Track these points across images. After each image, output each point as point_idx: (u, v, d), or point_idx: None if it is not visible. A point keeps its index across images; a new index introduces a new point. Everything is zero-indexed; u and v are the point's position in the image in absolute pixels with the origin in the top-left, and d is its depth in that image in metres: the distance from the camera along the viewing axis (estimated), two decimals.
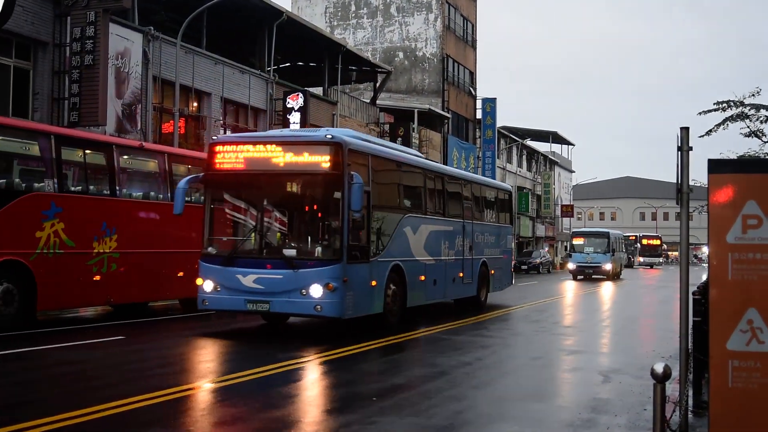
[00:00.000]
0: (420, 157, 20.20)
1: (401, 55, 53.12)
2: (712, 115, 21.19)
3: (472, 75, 58.03)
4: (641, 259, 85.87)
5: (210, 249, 15.00)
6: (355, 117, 40.46)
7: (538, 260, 59.30)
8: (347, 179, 13.91)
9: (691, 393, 8.35)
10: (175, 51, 25.45)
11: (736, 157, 18.61)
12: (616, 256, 50.03)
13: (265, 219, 15.33)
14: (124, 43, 23.99)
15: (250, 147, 14.76)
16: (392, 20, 53.53)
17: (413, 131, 44.44)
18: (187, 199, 15.72)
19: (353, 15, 54.34)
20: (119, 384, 9.91)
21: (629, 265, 79.10)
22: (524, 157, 73.86)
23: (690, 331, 8.47)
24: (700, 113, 21.36)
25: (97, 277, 16.29)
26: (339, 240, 14.12)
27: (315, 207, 15.29)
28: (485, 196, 23.94)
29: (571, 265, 48.89)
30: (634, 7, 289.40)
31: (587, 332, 18.49)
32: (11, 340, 13.15)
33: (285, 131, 19.50)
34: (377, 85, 45.66)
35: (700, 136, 21.43)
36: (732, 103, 20.61)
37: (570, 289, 36.81)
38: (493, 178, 56.09)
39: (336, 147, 14.19)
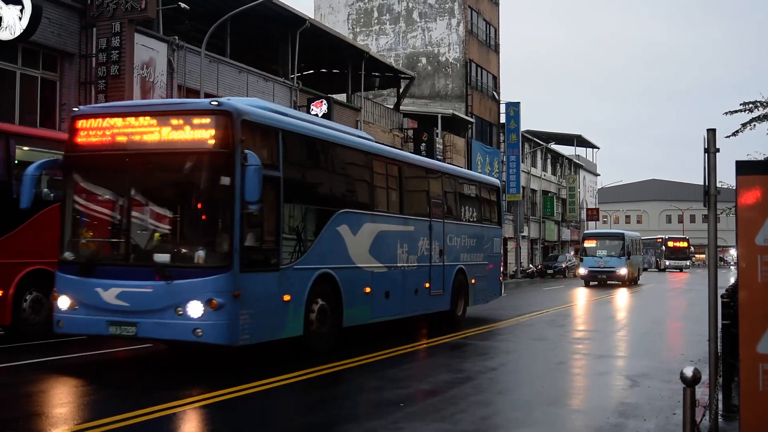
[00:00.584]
0: (368, 139, 16.03)
1: (424, 60, 53.14)
2: (738, 116, 20.99)
3: (496, 79, 57.94)
4: (668, 262, 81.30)
5: (67, 254, 11.50)
6: (379, 123, 40.52)
7: (563, 264, 58.99)
8: (239, 160, 10.55)
9: (720, 397, 8.28)
10: (199, 60, 25.63)
11: (764, 158, 18.44)
12: (632, 260, 45.39)
13: (134, 214, 11.41)
14: (149, 52, 24.18)
15: (118, 120, 11.32)
16: (415, 26, 53.58)
17: (437, 136, 44.46)
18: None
19: (376, 21, 54.45)
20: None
21: (657, 267, 79.62)
22: (549, 160, 73.62)
23: (719, 335, 8.41)
24: (726, 113, 21.13)
25: None
26: (228, 241, 10.59)
27: (197, 197, 11.50)
28: (463, 191, 19.98)
29: (582, 270, 44.64)
30: (660, 9, 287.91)
31: (601, 340, 18.33)
32: (41, 349, 13.26)
33: (167, 100, 16.84)
34: (400, 90, 45.74)
35: (726, 137, 21.18)
36: (759, 104, 20.39)
37: (582, 296, 33.33)
38: (518, 182, 56.07)
39: (224, 117, 10.78)
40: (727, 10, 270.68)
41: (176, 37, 25.70)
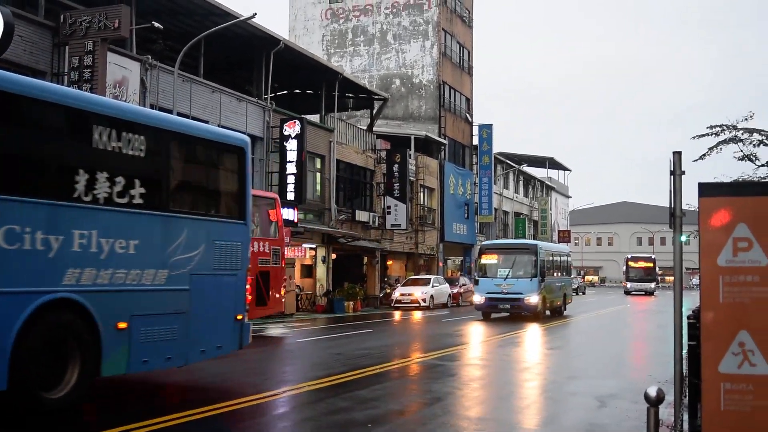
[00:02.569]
0: None
1: (398, 81, 53.40)
2: (705, 140, 21.31)
3: (469, 101, 58.30)
4: (628, 285, 71.22)
5: None
6: (352, 144, 40.62)
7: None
8: None
9: (686, 417, 8.37)
10: (172, 79, 25.62)
11: (729, 181, 18.70)
12: (548, 283, 31.79)
13: None
14: (122, 71, 24.15)
15: None
16: (389, 47, 53.87)
17: (410, 158, 44.62)
18: None
19: (350, 43, 54.69)
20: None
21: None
22: (521, 182, 74.06)
23: (685, 355, 8.52)
24: (693, 137, 21.46)
25: None
26: None
27: None
28: (102, 142, 9.88)
29: (477, 297, 31.48)
30: (630, 31, 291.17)
31: None
32: None
33: None
34: (374, 111, 45.90)
35: (694, 161, 21.51)
36: (725, 127, 20.70)
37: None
38: (490, 203, 56.40)
39: None
40: (698, 30, 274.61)
41: (149, 57, 25.68)
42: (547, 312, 32.35)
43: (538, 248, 31.38)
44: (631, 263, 72.50)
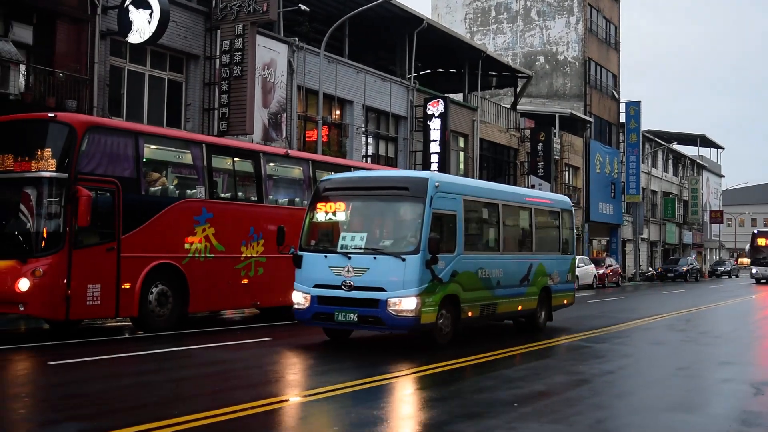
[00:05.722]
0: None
1: (542, 59, 52.53)
2: None
3: (615, 78, 56.80)
4: (754, 270, 54.38)
5: None
6: (496, 122, 40.34)
7: (684, 268, 57.22)
8: None
9: None
10: (318, 61, 26.08)
11: None
12: (466, 264, 15.18)
13: None
14: (271, 54, 24.77)
15: None
16: (533, 24, 53.03)
17: (554, 136, 43.92)
18: None
19: (493, 20, 54.14)
20: (262, 384, 10.20)
21: None
22: (670, 161, 71.64)
23: None
24: None
25: (245, 281, 16.87)
26: None
27: None
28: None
29: (296, 296, 13.81)
30: None
31: None
32: (165, 340, 13.81)
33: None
34: (518, 90, 45.43)
35: None
36: None
37: (705, 299, 31.65)
38: (638, 183, 54.86)
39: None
40: None
41: (296, 39, 26.23)
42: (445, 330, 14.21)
43: (429, 185, 13.59)
44: (759, 241, 54.32)
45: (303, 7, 25.38)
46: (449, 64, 40.80)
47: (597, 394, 10.25)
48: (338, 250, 13.41)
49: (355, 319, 13.10)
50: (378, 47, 35.35)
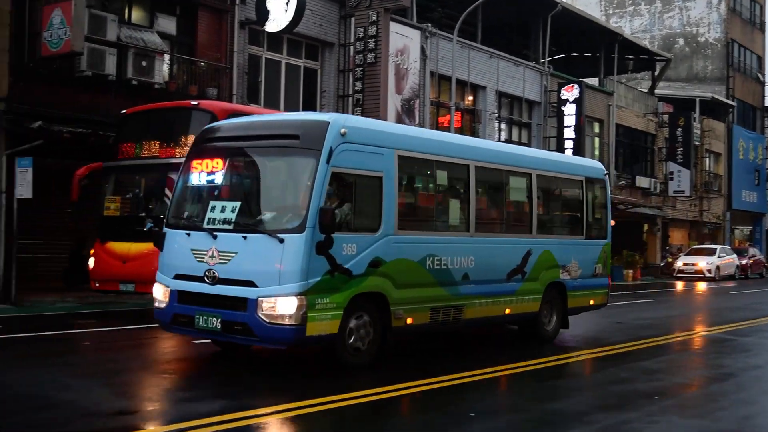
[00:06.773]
0: None
1: (681, 41, 50.74)
2: None
3: (760, 60, 54.30)
4: None
5: None
6: (632, 107, 39.30)
7: None
8: None
9: None
10: (451, 46, 25.96)
11: None
12: (395, 247, 10.86)
13: None
14: (404, 40, 24.82)
15: None
16: (671, 5, 51.25)
17: (694, 121, 42.41)
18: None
19: (630, 2, 52.61)
20: None
21: None
22: None
23: None
24: None
25: None
26: None
27: None
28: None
29: (156, 289, 9.51)
30: None
31: None
32: None
33: None
34: (655, 73, 44.12)
35: None
36: None
37: None
38: None
39: None
40: None
41: (429, 25, 26.21)
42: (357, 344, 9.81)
43: (329, 132, 9.22)
44: None
45: None
46: (584, 47, 39.92)
47: (743, 390, 9.83)
48: (204, 225, 9.46)
49: (218, 326, 9.08)
50: (511, 32, 34.90)
